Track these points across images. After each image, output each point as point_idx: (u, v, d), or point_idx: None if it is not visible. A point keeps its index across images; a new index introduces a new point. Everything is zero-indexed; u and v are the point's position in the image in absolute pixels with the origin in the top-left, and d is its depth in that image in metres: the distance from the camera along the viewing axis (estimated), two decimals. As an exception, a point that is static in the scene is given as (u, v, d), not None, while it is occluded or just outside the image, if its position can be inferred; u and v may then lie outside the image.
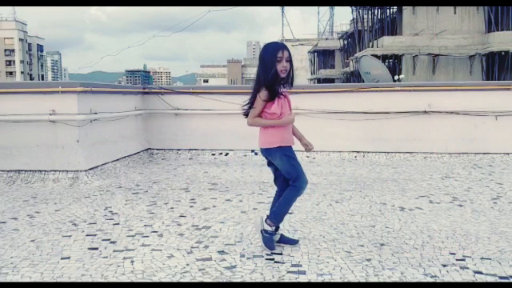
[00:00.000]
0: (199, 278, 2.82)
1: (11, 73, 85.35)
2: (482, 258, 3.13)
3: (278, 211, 3.31)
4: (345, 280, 2.79)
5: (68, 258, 3.15)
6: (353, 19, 40.65)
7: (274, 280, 2.80)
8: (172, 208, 4.46)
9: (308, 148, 3.40)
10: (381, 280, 2.80)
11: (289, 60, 3.17)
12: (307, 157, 7.39)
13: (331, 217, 4.12)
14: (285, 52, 3.14)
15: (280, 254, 3.21)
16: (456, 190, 5.21)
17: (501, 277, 2.84)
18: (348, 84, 8.33)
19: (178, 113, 7.78)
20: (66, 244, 3.43)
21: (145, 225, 3.89)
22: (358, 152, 7.48)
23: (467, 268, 2.97)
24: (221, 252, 3.25)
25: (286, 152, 3.26)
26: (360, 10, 37.88)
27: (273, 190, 5.05)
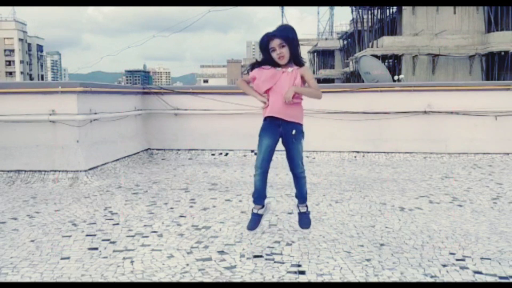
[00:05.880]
0: (199, 278, 2.83)
1: (11, 73, 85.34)
2: (482, 258, 3.13)
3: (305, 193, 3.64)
4: (345, 280, 2.79)
5: (68, 258, 3.15)
6: (353, 19, 40.68)
7: (274, 280, 2.80)
8: (172, 208, 4.46)
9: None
10: (381, 280, 2.80)
11: (284, 45, 3.27)
12: (307, 157, 7.40)
13: (331, 217, 4.12)
14: (275, 41, 3.27)
15: (280, 254, 3.22)
16: (456, 190, 5.21)
17: (501, 277, 2.84)
18: (348, 84, 8.34)
19: (178, 113, 7.78)
20: (66, 244, 3.43)
21: (145, 225, 3.89)
22: (358, 152, 7.49)
23: (467, 268, 2.97)
24: (221, 252, 3.25)
25: None
26: (360, 10, 37.90)
27: (272, 190, 5.07)
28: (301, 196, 3.63)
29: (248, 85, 3.57)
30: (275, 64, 3.36)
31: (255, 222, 3.56)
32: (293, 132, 3.39)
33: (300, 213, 3.67)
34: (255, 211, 3.58)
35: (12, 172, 5.74)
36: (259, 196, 3.56)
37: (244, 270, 2.93)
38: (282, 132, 3.41)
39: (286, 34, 3.29)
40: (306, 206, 3.67)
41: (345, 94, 7.67)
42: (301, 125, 3.45)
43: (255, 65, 3.44)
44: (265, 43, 3.30)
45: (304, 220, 3.62)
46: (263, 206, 3.60)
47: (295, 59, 3.38)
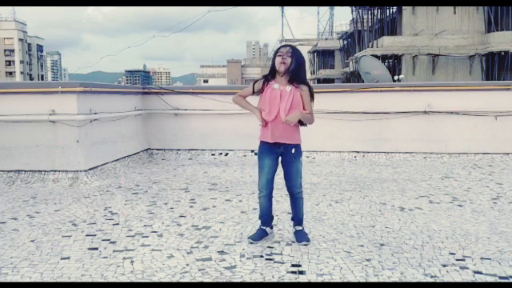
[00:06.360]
0: (199, 278, 2.83)
1: (10, 73, 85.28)
2: (482, 258, 3.13)
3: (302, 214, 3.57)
4: (345, 280, 2.79)
5: (68, 258, 3.15)
6: (353, 19, 40.67)
7: (274, 280, 2.80)
8: (172, 208, 4.46)
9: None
10: (381, 280, 2.80)
11: (291, 55, 3.33)
12: (307, 157, 7.40)
13: (331, 217, 4.12)
14: (285, 48, 3.37)
15: (280, 254, 3.22)
16: (456, 190, 5.21)
17: (501, 277, 2.84)
18: (348, 84, 8.34)
19: (178, 113, 7.78)
20: (66, 244, 3.43)
21: (145, 225, 3.89)
22: (358, 152, 7.49)
23: (467, 268, 2.97)
24: (221, 252, 3.25)
25: None
26: (360, 10, 37.88)
27: (273, 190, 5.06)
28: (298, 219, 3.55)
29: (245, 99, 3.53)
30: (274, 72, 3.38)
31: (260, 236, 3.51)
32: (293, 151, 3.41)
33: (296, 231, 3.54)
34: (263, 227, 3.56)
35: (12, 172, 5.74)
36: (267, 219, 3.55)
37: (244, 270, 2.93)
38: (281, 152, 3.42)
39: (299, 52, 3.39)
40: (302, 227, 3.58)
41: (345, 94, 7.68)
42: (299, 144, 3.46)
43: (264, 78, 3.45)
44: (279, 47, 3.40)
45: (302, 236, 3.48)
46: (272, 227, 3.62)
47: (296, 76, 3.35)
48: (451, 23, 32.01)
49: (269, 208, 3.52)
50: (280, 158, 3.45)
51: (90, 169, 5.83)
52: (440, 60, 31.89)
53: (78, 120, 5.76)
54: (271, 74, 3.40)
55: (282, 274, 2.87)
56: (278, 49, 3.40)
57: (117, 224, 3.94)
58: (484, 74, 31.57)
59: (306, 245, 3.38)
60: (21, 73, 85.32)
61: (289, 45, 3.44)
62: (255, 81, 3.48)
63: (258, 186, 3.50)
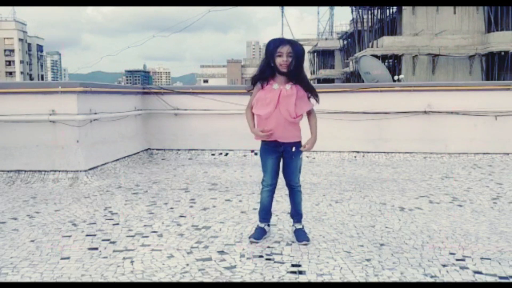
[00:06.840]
0: (199, 278, 2.83)
1: (10, 73, 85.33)
2: (482, 258, 3.13)
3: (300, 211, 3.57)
4: (345, 280, 2.79)
5: (68, 258, 3.15)
6: (353, 19, 40.70)
7: (274, 280, 2.80)
8: (172, 208, 4.46)
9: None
10: (381, 280, 2.80)
11: (292, 56, 3.25)
12: (307, 157, 7.40)
13: (331, 217, 4.12)
14: (284, 48, 3.24)
15: (280, 254, 3.22)
16: (456, 190, 5.21)
17: (501, 277, 2.84)
18: (348, 84, 8.34)
19: (178, 113, 7.78)
20: (66, 244, 3.43)
21: (145, 225, 3.89)
22: (358, 152, 7.49)
23: (467, 268, 2.97)
24: (221, 252, 3.25)
25: None
26: (360, 10, 37.92)
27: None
28: (297, 214, 3.53)
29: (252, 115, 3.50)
30: (273, 71, 3.31)
31: (260, 235, 3.49)
32: (293, 149, 3.43)
33: (296, 230, 3.52)
34: (261, 225, 3.55)
35: (12, 172, 5.74)
36: (267, 214, 3.55)
37: (244, 270, 2.94)
38: (282, 150, 3.44)
39: (299, 49, 3.28)
40: (302, 225, 3.55)
41: (345, 94, 7.67)
42: (299, 142, 3.48)
43: (256, 79, 3.38)
44: (276, 45, 3.25)
45: (302, 235, 3.45)
46: (269, 225, 3.61)
47: (297, 76, 3.32)
48: (451, 23, 32.06)
49: (270, 203, 3.52)
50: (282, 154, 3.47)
51: (90, 169, 5.83)
52: (440, 60, 31.93)
53: (78, 120, 5.76)
54: (270, 74, 3.31)
55: (282, 274, 2.87)
56: (276, 47, 3.24)
57: (117, 224, 3.94)
58: (484, 74, 31.61)
59: (306, 244, 3.38)
60: (21, 73, 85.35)
61: (288, 41, 3.28)
62: (257, 87, 3.37)
63: (262, 182, 3.49)
